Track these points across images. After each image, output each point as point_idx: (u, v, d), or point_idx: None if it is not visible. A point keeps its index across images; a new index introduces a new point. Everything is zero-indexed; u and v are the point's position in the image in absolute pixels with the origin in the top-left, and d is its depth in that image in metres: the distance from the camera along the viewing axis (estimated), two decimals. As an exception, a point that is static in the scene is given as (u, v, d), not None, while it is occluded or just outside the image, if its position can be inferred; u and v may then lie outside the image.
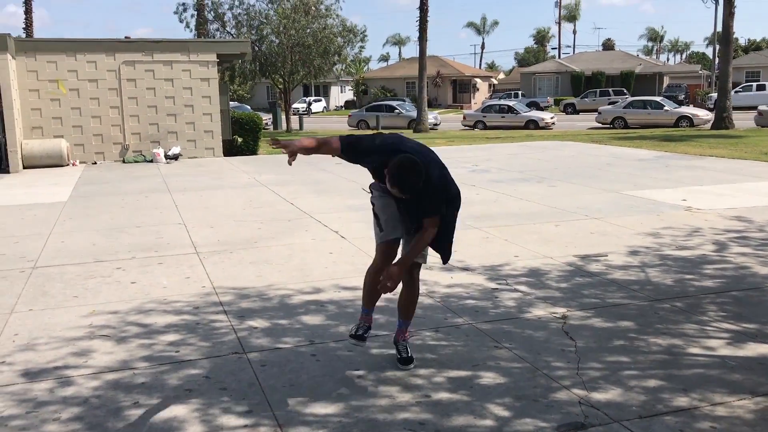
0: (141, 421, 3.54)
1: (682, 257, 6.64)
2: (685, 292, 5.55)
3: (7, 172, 15.14)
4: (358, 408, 3.61)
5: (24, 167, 15.65)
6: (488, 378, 3.98)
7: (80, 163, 16.88)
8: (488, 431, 3.36)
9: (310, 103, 52.84)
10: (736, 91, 37.49)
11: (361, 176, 12.79)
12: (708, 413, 3.51)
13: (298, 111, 45.92)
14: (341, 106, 62.23)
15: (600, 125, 30.63)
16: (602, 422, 3.43)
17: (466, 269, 6.32)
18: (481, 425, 3.42)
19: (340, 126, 37.10)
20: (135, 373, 4.13)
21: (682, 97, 43.53)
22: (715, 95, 30.63)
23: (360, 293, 5.63)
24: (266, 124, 32.24)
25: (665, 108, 29.88)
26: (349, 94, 64.83)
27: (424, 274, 6.20)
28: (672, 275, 6.03)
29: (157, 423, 3.51)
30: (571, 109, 44.20)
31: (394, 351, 4.26)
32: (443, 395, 3.77)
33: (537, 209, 9.21)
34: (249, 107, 34.03)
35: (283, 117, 34.32)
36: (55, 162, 16.06)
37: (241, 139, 18.99)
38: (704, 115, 29.14)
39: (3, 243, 7.81)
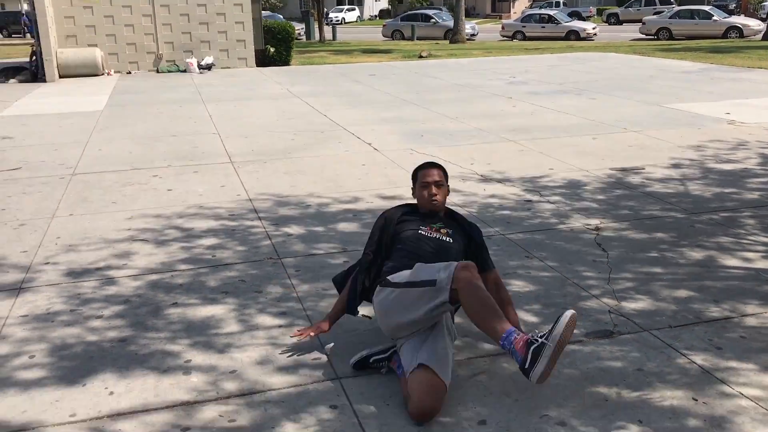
0: (180, 319, 3.67)
1: (723, 170, 6.49)
2: (724, 205, 5.46)
3: (44, 81, 15.25)
4: (389, 312, 3.68)
5: (60, 76, 15.73)
6: (517, 286, 4.01)
7: (115, 72, 16.90)
8: (517, 336, 3.41)
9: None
10: (791, 0, 35.60)
11: (396, 88, 12.64)
12: (738, 323, 3.51)
13: (332, 20, 44.97)
14: (376, 16, 60.72)
15: (644, 36, 29.47)
16: (631, 330, 3.45)
17: (500, 181, 6.28)
18: (510, 330, 3.47)
19: (374, 36, 36.34)
20: (174, 275, 4.26)
21: (732, 6, 41.46)
22: (767, 4, 29.07)
23: (391, 203, 5.67)
24: (299, 33, 31.71)
25: (714, 18, 28.56)
26: (383, 3, 63.11)
27: (459, 185, 6.20)
28: (712, 188, 5.92)
29: (196, 321, 3.64)
30: (615, 20, 42.48)
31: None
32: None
33: (575, 122, 9.03)
34: (281, 17, 33.42)
35: (316, 27, 33.69)
36: (90, 71, 16.10)
37: (273, 49, 18.74)
38: (756, 25, 27.81)
39: (43, 150, 7.95)
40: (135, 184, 6.41)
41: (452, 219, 3.48)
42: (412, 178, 3.51)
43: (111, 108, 11.13)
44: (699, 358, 3.17)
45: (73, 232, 5.09)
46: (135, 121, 9.84)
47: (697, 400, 2.84)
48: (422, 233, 3.28)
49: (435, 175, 3.40)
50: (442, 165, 3.58)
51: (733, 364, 3.12)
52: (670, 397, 2.87)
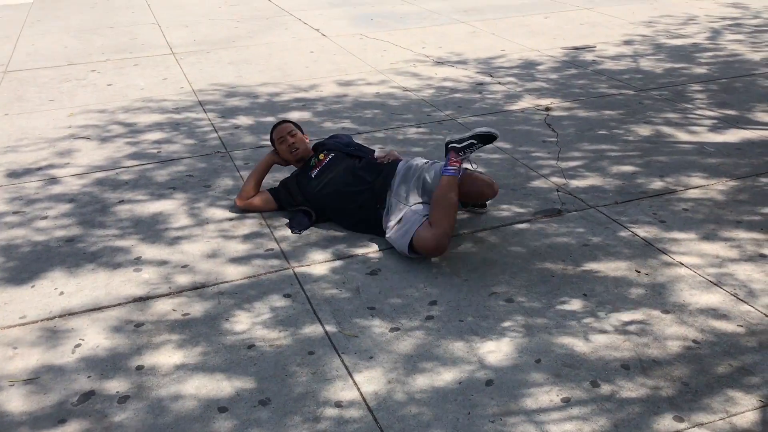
0: (129, 216, 3.61)
1: (673, 46, 6.47)
2: (674, 81, 5.48)
3: (-34, -28, 14.17)
4: (341, 200, 3.67)
5: (-17, -33, 14.63)
6: (467, 167, 4.01)
7: (43, -39, 15.77)
8: (467, 218, 3.46)
9: None
10: None
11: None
12: (681, 196, 3.60)
13: None
14: None
15: None
16: (579, 208, 3.52)
17: (452, 64, 6.17)
18: (459, 212, 3.51)
19: None
20: (119, 172, 4.16)
21: None
22: None
23: (343, 90, 5.55)
24: None
25: None
26: None
27: (410, 69, 6.07)
28: (662, 64, 5.92)
29: (145, 217, 3.59)
30: None
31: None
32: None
33: (527, 0, 8.81)
34: None
35: None
36: (15, -40, 14.99)
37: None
38: None
39: (-29, 47, 7.49)
40: (72, 80, 6.12)
41: (321, 146, 3.72)
42: (271, 142, 3.71)
43: (42, 0, 10.46)
44: (642, 231, 3.26)
45: (10, 133, 4.88)
46: (68, 13, 9.28)
47: (639, 272, 2.94)
48: (315, 176, 3.48)
49: (284, 129, 3.63)
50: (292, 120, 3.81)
51: (675, 235, 3.22)
52: (614, 269, 2.97)
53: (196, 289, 2.95)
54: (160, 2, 9.80)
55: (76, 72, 6.36)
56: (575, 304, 2.74)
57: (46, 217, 3.62)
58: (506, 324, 2.64)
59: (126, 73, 6.25)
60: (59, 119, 5.12)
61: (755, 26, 7.12)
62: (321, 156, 3.58)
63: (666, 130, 4.51)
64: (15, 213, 3.69)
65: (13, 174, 4.19)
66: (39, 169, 4.25)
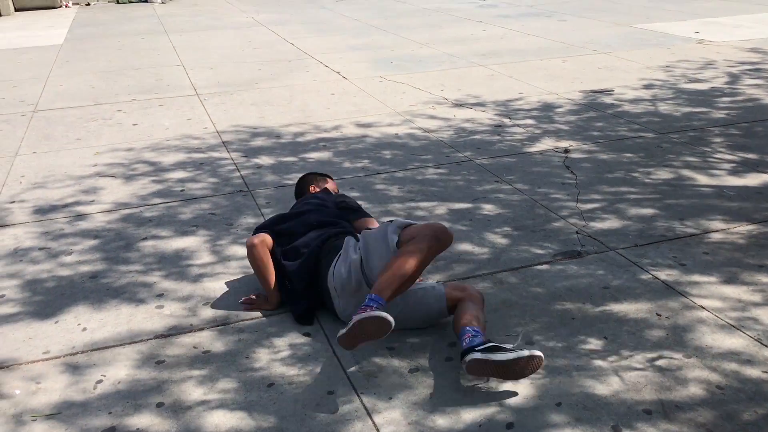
0: (152, 252, 3.66)
1: (692, 90, 6.52)
2: (692, 125, 5.50)
3: (-1, 15, 14.65)
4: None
5: (15, 9, 15.11)
6: (487, 210, 4.04)
7: (73, 4, 16.26)
8: (487, 259, 3.47)
9: None
10: None
11: (364, 14, 12.35)
12: (701, 240, 3.59)
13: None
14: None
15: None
16: (598, 250, 3.52)
17: (471, 106, 6.25)
18: (479, 253, 3.52)
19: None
20: (144, 209, 4.23)
21: None
22: None
23: (363, 131, 5.63)
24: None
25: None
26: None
27: (429, 111, 6.16)
28: (681, 108, 5.95)
29: (168, 254, 3.64)
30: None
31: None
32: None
33: (544, 45, 8.94)
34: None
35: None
36: (47, 4, 15.47)
37: (237, -24, 18.10)
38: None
39: (1, 87, 7.71)
40: (99, 119, 6.27)
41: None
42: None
43: (71, 42, 10.76)
44: (662, 274, 3.25)
45: (38, 170, 4.99)
46: (96, 54, 9.54)
47: (660, 315, 2.93)
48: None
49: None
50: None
51: (695, 278, 3.21)
52: (635, 312, 2.96)
53: (217, 326, 2.97)
54: (185, 45, 10.04)
55: (103, 112, 6.51)
56: (596, 346, 2.73)
57: (71, 253, 3.68)
58: (526, 366, 2.63)
59: (151, 113, 6.39)
60: (85, 157, 5.23)
61: (773, 71, 7.16)
62: None
63: (685, 173, 4.51)
64: (41, 249, 3.76)
65: (40, 210, 4.28)
66: (65, 205, 4.34)
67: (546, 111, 6.00)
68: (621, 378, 2.54)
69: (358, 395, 2.50)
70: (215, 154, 5.20)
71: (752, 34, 9.21)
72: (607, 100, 6.28)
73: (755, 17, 10.57)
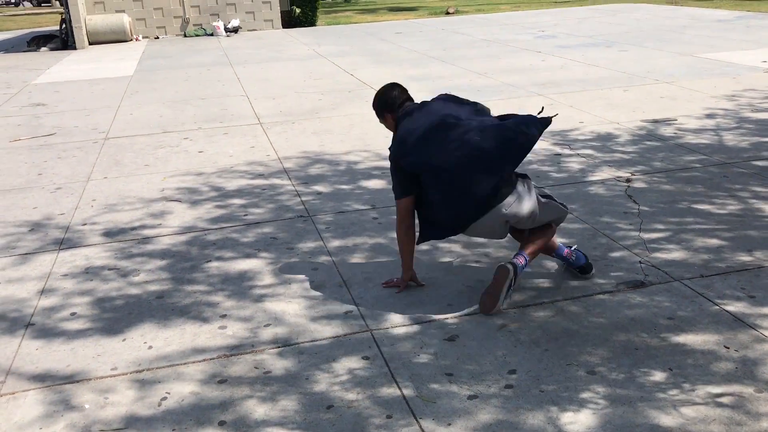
0: (216, 273, 3.75)
1: (758, 120, 6.35)
2: (760, 155, 5.36)
3: (74, 48, 15.37)
4: (416, 260, 3.72)
5: (89, 43, 15.84)
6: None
7: (143, 37, 16.96)
8: (547, 287, 3.44)
9: None
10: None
11: (423, 46, 12.49)
12: (772, 271, 3.48)
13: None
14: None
15: (678, -14, 28.57)
16: (663, 280, 3.45)
17: (528, 135, 6.22)
18: (540, 281, 3.49)
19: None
20: (208, 233, 4.34)
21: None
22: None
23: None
24: (324, -6, 31.34)
25: (751, -36, 27.52)
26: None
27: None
28: (746, 138, 5.81)
29: (232, 275, 3.72)
30: (647, -30, 41.23)
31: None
32: (504, 253, 3.84)
33: (605, 74, 8.86)
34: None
35: (342, -14, 33.24)
36: (118, 37, 16.18)
37: (299, 10, 18.60)
38: (795, -30, 26.76)
39: (76, 116, 8.07)
40: (166, 146, 6.49)
41: None
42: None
43: (140, 73, 11.21)
44: (731, 306, 3.16)
45: (108, 194, 5.19)
46: (164, 85, 9.91)
47: (728, 348, 2.84)
48: None
49: None
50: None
51: (765, 311, 3.11)
52: (701, 344, 2.88)
53: (279, 347, 3.02)
54: (249, 76, 10.34)
55: (170, 139, 6.74)
56: (660, 378, 2.66)
57: (139, 273, 3.81)
58: (587, 395, 2.59)
59: (216, 141, 6.59)
60: (153, 183, 5.42)
61: None
62: None
63: (753, 203, 4.39)
64: (111, 269, 3.90)
65: (110, 232, 4.44)
66: (134, 228, 4.49)
67: (606, 140, 5.94)
68: (688, 410, 2.47)
69: (416, 420, 2.50)
70: (277, 181, 5.31)
71: (823, 63, 8.94)
72: (670, 129, 6.18)
73: (826, 46, 10.26)
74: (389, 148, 3.41)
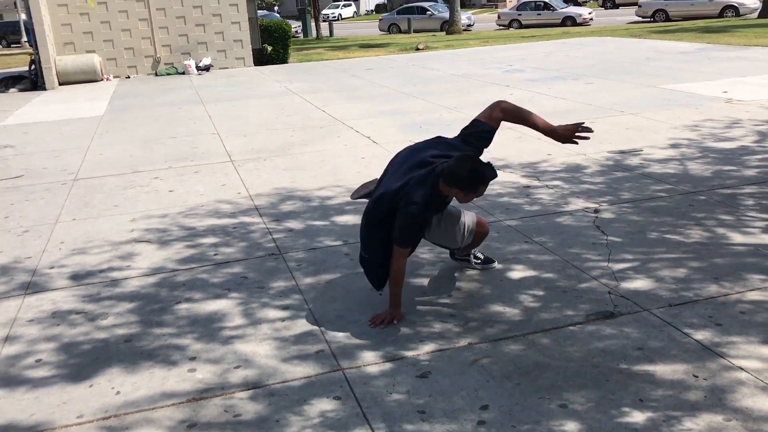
0: (185, 315, 3.71)
1: (721, 149, 6.50)
2: (723, 183, 5.47)
3: (44, 89, 15.30)
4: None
5: (59, 84, 15.78)
6: (518, 270, 4.04)
7: (114, 77, 16.94)
8: (518, 320, 3.45)
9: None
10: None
11: (394, 82, 12.63)
12: (738, 299, 3.53)
13: (328, 17, 44.97)
14: (372, 10, 60.65)
15: (640, 19, 29.37)
16: (631, 311, 3.48)
17: (499, 168, 6.29)
18: (511, 314, 3.50)
19: (371, 31, 36.30)
20: (178, 274, 4.30)
21: (729, -15, 41.24)
22: (764, -18, 28.89)
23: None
24: (296, 31, 31.70)
25: (710, -3, 28.41)
26: (379, -3, 62.99)
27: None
28: (710, 167, 5.93)
29: (201, 317, 3.68)
30: (611, 4, 42.32)
31: (425, 253, 4.33)
32: (474, 286, 3.86)
33: (572, 107, 9.03)
34: (278, 15, 33.43)
35: (313, 24, 33.68)
36: (89, 77, 16.15)
37: (270, 48, 18.76)
38: (751, 3, 27.65)
39: (44, 157, 8.00)
40: (136, 186, 6.45)
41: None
42: (470, 184, 3.37)
43: (111, 113, 11.18)
44: (699, 335, 3.19)
45: (77, 237, 5.13)
46: (135, 124, 9.88)
47: (697, 376, 2.86)
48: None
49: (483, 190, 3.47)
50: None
51: (733, 339, 3.14)
52: (671, 373, 2.90)
53: (248, 389, 2.98)
54: (220, 114, 10.36)
55: (140, 179, 6.70)
56: (632, 409, 2.67)
57: (107, 317, 3.75)
58: (560, 429, 2.58)
59: (186, 180, 6.56)
60: (123, 224, 5.37)
61: (805, 129, 7.12)
62: None
63: (719, 232, 4.47)
64: (78, 313, 3.83)
65: (78, 276, 4.38)
66: (102, 270, 4.44)
67: (575, 172, 6.03)
68: (659, 442, 2.47)
69: (389, 460, 2.47)
70: (248, 219, 5.30)
71: (781, 92, 9.20)
72: (636, 160, 6.29)
73: (784, 76, 10.57)
74: (416, 206, 3.31)
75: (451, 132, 7.45)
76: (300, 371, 3.09)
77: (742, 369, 2.90)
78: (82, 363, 3.28)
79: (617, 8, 40.77)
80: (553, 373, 2.96)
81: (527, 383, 2.90)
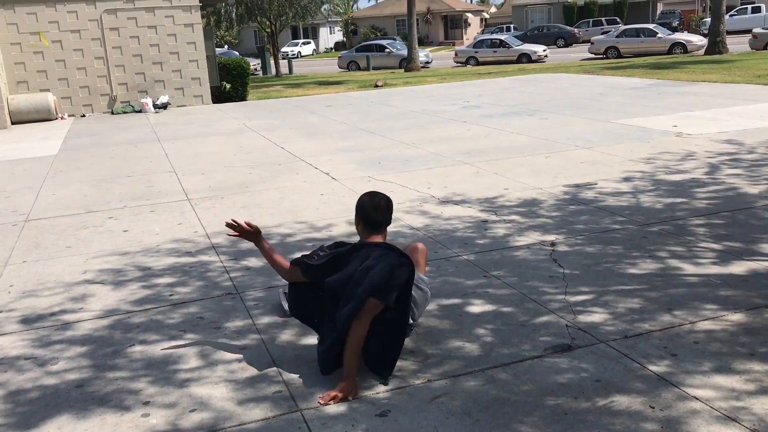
0: (139, 358, 3.62)
1: (672, 181, 6.67)
2: (675, 215, 5.60)
3: (-4, 128, 15.00)
4: (350, 339, 3.68)
5: (12, 123, 15.50)
6: (477, 305, 4.05)
7: (69, 116, 16.72)
8: (477, 355, 3.44)
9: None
10: (731, 15, 36.95)
11: (352, 118, 12.72)
12: (691, 329, 3.59)
13: (287, 55, 45.27)
14: (331, 48, 61.28)
15: (593, 56, 30.25)
16: (588, 343, 3.51)
17: (457, 203, 6.35)
18: (470, 349, 3.50)
19: (330, 68, 36.62)
20: (132, 315, 4.20)
21: (676, 23, 42.83)
22: (709, 20, 30.11)
23: (353, 229, 5.68)
24: (255, 69, 31.83)
25: (658, 35, 29.47)
26: (338, 35, 63.75)
27: (416, 207, 6.26)
28: (662, 199, 6.07)
29: (157, 359, 3.59)
30: (564, 42, 43.53)
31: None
32: (433, 322, 3.85)
33: (527, 142, 9.19)
34: (237, 53, 33.54)
35: (272, 61, 33.85)
36: (43, 116, 15.90)
37: (229, 86, 18.77)
38: (698, 41, 28.76)
39: (-5, 198, 7.81)
40: (90, 227, 6.33)
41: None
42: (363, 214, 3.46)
43: (65, 152, 11.00)
44: (654, 366, 3.23)
45: (27, 279, 4.99)
46: (89, 164, 9.73)
47: (654, 407, 2.89)
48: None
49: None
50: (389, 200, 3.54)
51: (687, 368, 3.19)
52: (627, 405, 2.92)
53: (204, 433, 2.91)
54: (177, 152, 10.27)
55: (94, 219, 6.58)
56: (590, 443, 2.67)
57: (58, 362, 3.64)
58: (520, 465, 2.57)
59: (142, 220, 6.46)
60: (75, 265, 5.24)
61: (752, 161, 7.36)
62: None
63: (672, 263, 4.56)
64: (27, 358, 3.71)
65: (28, 320, 4.25)
66: (53, 314, 4.31)
67: (531, 206, 6.11)
68: (617, 475, 2.47)
69: (348, 502, 2.42)
70: (205, 258, 5.23)
71: (727, 126, 9.52)
72: (591, 193, 6.41)
73: (729, 110, 10.95)
74: (404, 268, 3.27)
75: (411, 166, 7.52)
76: (257, 413, 3.03)
77: (696, 399, 2.93)
78: (30, 411, 3.17)
79: (570, 46, 41.93)
80: (512, 409, 2.95)
81: (487, 419, 2.88)
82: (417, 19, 31.59)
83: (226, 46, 46.08)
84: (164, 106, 16.97)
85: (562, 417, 2.86)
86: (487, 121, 11.39)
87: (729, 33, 27.44)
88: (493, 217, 5.82)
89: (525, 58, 31.19)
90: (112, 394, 3.27)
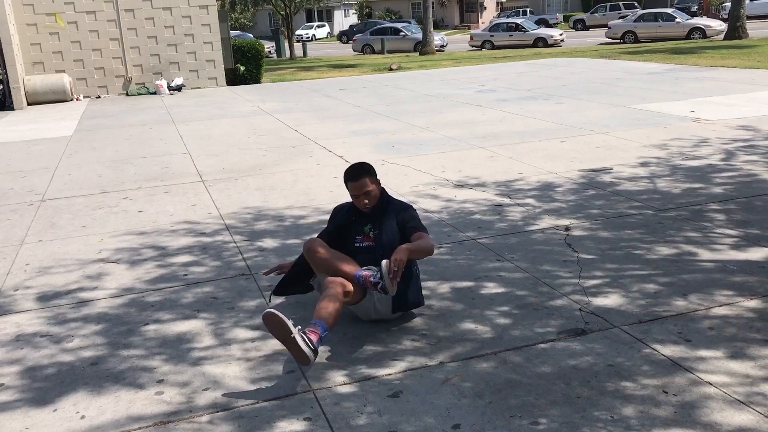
0: (154, 336, 3.65)
1: (689, 167, 6.60)
2: (691, 201, 5.55)
3: (12, 109, 15.09)
4: (361, 322, 3.69)
5: (28, 104, 15.59)
6: (489, 288, 4.04)
7: (84, 97, 16.78)
8: (489, 338, 3.44)
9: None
10: (751, 0, 36.36)
11: (366, 101, 12.68)
12: (705, 315, 3.57)
13: (302, 38, 45.15)
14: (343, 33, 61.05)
15: (610, 40, 29.93)
16: (602, 327, 3.49)
17: (471, 187, 6.33)
18: (482, 331, 3.50)
19: (345, 51, 36.50)
20: (146, 294, 4.24)
21: (695, 8, 42.25)
22: (729, 5, 29.65)
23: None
24: (269, 51, 31.76)
25: (677, 20, 29.08)
26: (353, 18, 63.43)
27: (430, 191, 6.24)
28: (679, 185, 6.02)
29: (170, 338, 3.62)
30: (581, 26, 43.11)
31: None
32: (446, 304, 3.85)
33: (543, 126, 9.13)
34: (251, 35, 33.49)
35: (286, 44, 33.77)
36: (58, 97, 15.97)
37: (243, 68, 18.75)
38: (717, 25, 28.36)
39: (11, 178, 7.87)
40: (105, 207, 6.36)
41: (383, 211, 3.72)
42: (346, 185, 3.72)
43: (80, 133, 11.05)
44: (668, 351, 3.21)
45: (43, 258, 5.04)
46: (104, 144, 9.77)
47: (667, 392, 2.88)
48: (357, 245, 3.70)
49: (360, 187, 3.64)
50: (368, 165, 3.75)
51: (701, 354, 3.17)
52: (641, 389, 2.91)
53: (217, 411, 2.93)
54: (192, 134, 10.29)
55: (109, 200, 6.62)
56: (603, 426, 2.67)
57: (73, 339, 3.67)
58: (532, 447, 2.57)
59: (157, 200, 6.49)
60: (90, 245, 5.28)
61: (769, 147, 7.27)
62: (372, 234, 3.67)
63: (687, 248, 4.52)
64: (43, 336, 3.75)
65: (44, 297, 4.29)
66: (69, 292, 4.35)
67: (546, 190, 6.08)
68: (629, 458, 2.47)
69: (359, 481, 2.44)
70: (219, 239, 5.25)
71: (746, 112, 9.40)
72: (606, 178, 6.36)
73: (747, 96, 10.81)
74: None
75: (425, 150, 7.48)
76: (269, 392, 3.05)
77: (710, 384, 2.92)
78: (46, 387, 3.21)
79: (587, 30, 41.54)
80: (524, 391, 2.95)
81: (499, 401, 2.88)
82: (432, 3, 31.33)
83: (238, 30, 46.01)
84: (179, 88, 17.00)
85: (575, 400, 2.86)
86: (502, 105, 11.32)
87: (749, 18, 27.00)
88: (508, 201, 5.80)
89: (541, 42, 30.90)
90: (127, 371, 3.30)
